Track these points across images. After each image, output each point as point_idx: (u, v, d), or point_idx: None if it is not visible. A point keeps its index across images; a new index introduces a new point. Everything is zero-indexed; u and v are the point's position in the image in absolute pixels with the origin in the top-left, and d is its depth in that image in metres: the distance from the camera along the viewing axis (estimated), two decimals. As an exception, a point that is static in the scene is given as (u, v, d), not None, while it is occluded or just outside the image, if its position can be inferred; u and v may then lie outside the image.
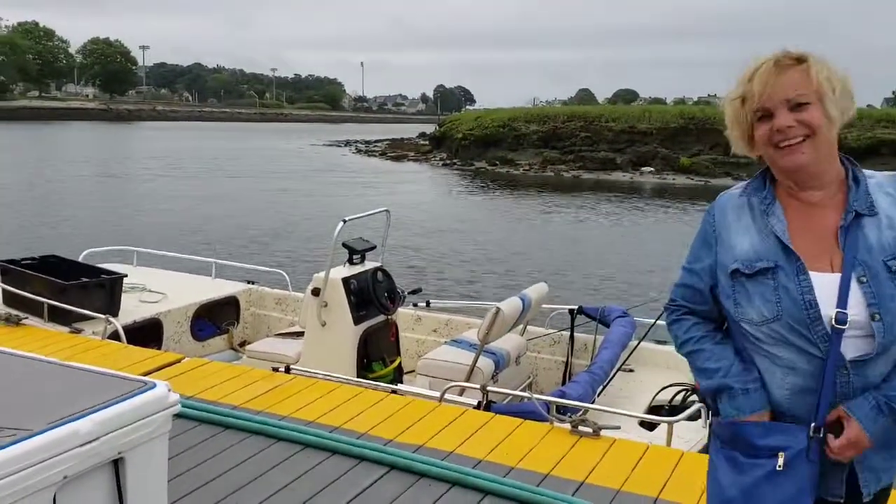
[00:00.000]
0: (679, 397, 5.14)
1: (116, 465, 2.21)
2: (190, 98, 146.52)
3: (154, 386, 2.39)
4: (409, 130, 75.20)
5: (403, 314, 6.58)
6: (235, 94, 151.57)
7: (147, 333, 6.12)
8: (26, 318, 5.79)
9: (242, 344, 6.99)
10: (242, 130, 76.55)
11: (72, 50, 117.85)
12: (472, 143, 43.34)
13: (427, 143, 54.24)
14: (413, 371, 5.94)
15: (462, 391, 4.72)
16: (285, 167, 38.19)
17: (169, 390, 2.42)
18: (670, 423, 4.16)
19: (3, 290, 6.18)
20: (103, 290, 6.01)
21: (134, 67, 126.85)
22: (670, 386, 5.28)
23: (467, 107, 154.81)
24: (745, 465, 1.87)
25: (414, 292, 6.81)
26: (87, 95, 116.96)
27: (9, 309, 5.95)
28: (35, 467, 1.93)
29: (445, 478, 3.39)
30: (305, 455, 3.62)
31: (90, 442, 2.08)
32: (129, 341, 5.45)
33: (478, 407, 4.37)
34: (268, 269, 7.91)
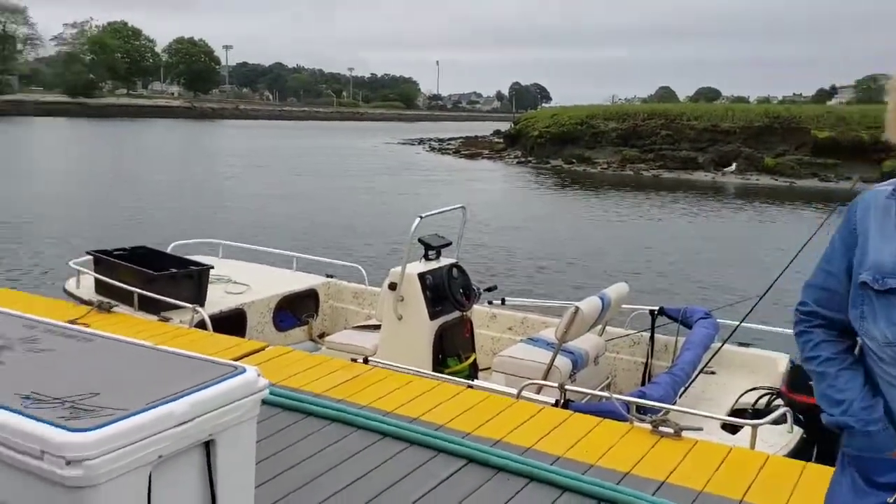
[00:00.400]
0: (763, 401, 4.99)
1: (207, 446, 2.29)
2: (271, 97, 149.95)
3: (244, 371, 2.46)
4: (484, 128, 75.25)
5: (478, 311, 6.59)
6: (314, 94, 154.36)
7: (232, 323, 6.30)
8: (117, 305, 6.03)
9: (321, 335, 7.12)
10: (320, 129, 77.95)
11: (158, 49, 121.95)
12: (548, 140, 43.06)
13: (501, 140, 54.17)
14: (488, 368, 5.94)
15: (539, 389, 4.70)
16: (361, 165, 38.73)
17: (258, 375, 2.48)
18: (754, 427, 4.05)
19: (96, 279, 6.46)
20: (191, 280, 6.20)
21: (217, 67, 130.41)
22: (754, 389, 5.14)
23: (543, 104, 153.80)
24: (863, 491, 1.77)
25: (489, 289, 6.80)
26: (173, 94, 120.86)
27: (100, 297, 6.21)
28: (133, 445, 2.01)
29: (523, 472, 3.38)
30: (384, 444, 3.67)
31: (184, 423, 2.15)
32: (215, 330, 5.62)
33: (555, 405, 4.35)
34: (345, 263, 8.04)
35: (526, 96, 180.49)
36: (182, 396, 2.18)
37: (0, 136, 45.33)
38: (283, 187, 27.60)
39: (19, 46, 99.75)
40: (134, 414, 2.04)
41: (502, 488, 3.29)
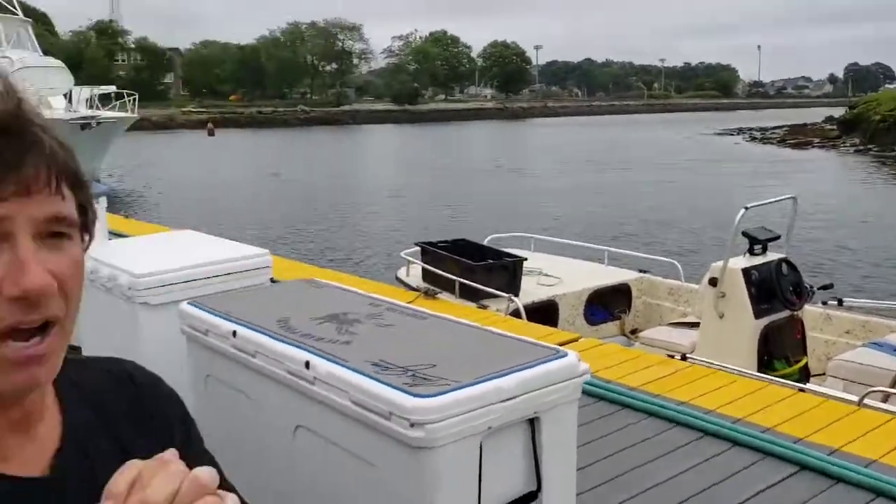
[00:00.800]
0: None
1: (532, 423, 2.37)
2: (579, 93, 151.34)
3: (566, 355, 2.50)
4: (812, 115, 68.77)
5: (810, 312, 6.04)
6: (623, 87, 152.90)
7: (544, 314, 6.46)
8: (440, 292, 6.49)
9: (634, 331, 7.02)
10: (629, 122, 76.96)
11: (473, 54, 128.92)
12: (893, 125, 38.19)
13: (835, 127, 49.11)
14: (821, 374, 5.43)
15: (886, 398, 4.19)
16: (673, 157, 37.53)
17: (579, 360, 2.51)
18: None
19: (423, 268, 7.01)
20: (506, 271, 6.48)
21: (528, 67, 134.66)
22: None
23: (886, 85, 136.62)
24: None
25: (825, 288, 6.21)
26: (486, 96, 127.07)
27: (427, 284, 6.73)
28: (467, 414, 2.14)
29: (868, 486, 3.03)
30: (706, 443, 3.52)
31: (511, 399, 2.24)
32: (528, 320, 5.80)
33: (905, 416, 3.85)
34: (660, 258, 7.84)
35: (865, 77, 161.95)
36: (510, 373, 2.28)
37: (340, 142, 51.08)
38: (591, 182, 27.72)
39: (355, 61, 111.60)
40: (468, 385, 2.18)
41: (842, 500, 2.99)
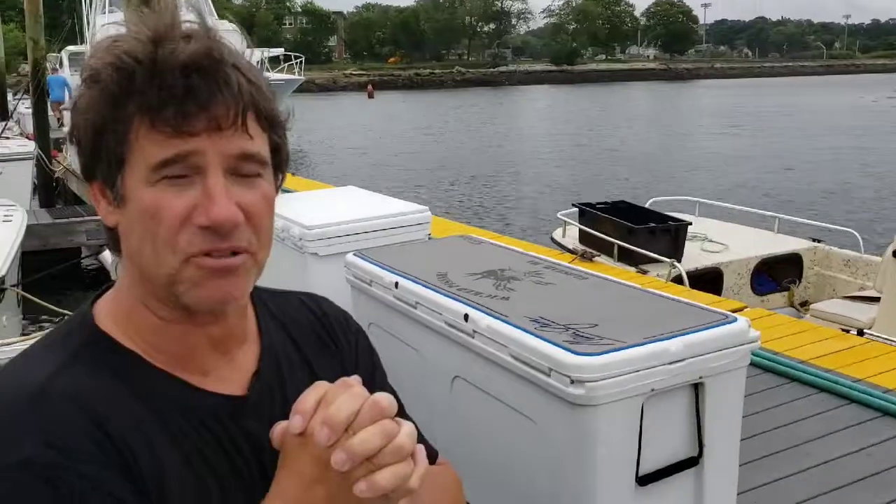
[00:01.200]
0: None
1: (696, 388, 2.29)
2: (749, 54, 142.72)
3: (735, 320, 2.39)
4: None
5: None
6: (799, 47, 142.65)
7: (707, 282, 6.22)
8: (598, 255, 6.39)
9: (804, 304, 6.63)
10: (805, 85, 71.75)
11: (637, 13, 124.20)
12: None
13: None
14: None
15: None
16: (854, 123, 34.73)
17: (749, 327, 2.40)
18: None
19: (580, 229, 6.91)
20: (668, 235, 6.28)
21: (694, 26, 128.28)
22: None
23: None
24: None
25: None
26: (648, 56, 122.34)
27: (584, 247, 6.64)
28: (630, 375, 2.10)
29: None
30: (882, 423, 3.29)
31: (677, 362, 2.18)
32: (690, 287, 5.61)
33: None
34: (837, 227, 7.32)
35: None
36: (676, 336, 2.21)
37: (495, 103, 51.02)
38: (761, 147, 26.20)
39: (514, 21, 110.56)
40: (632, 346, 2.13)
41: None
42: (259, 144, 0.83)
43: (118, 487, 0.74)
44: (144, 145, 0.79)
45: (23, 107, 14.14)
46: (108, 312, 0.87)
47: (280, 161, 0.88)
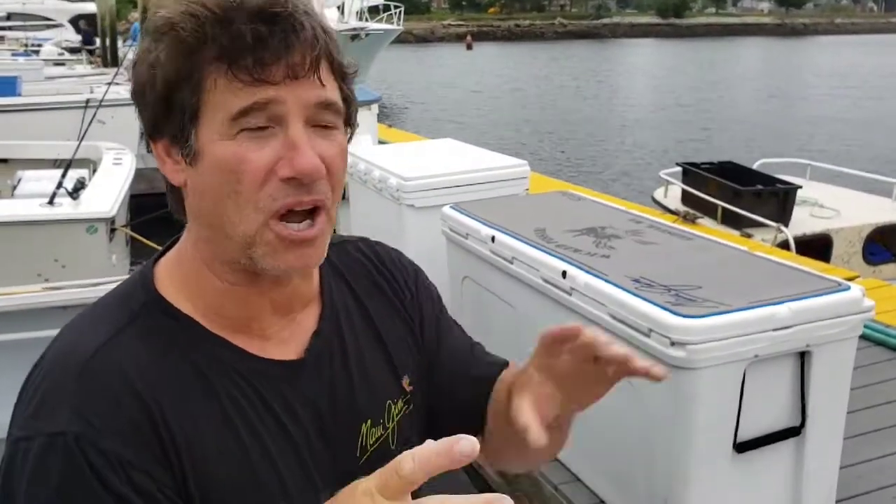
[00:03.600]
0: None
1: (802, 357, 2.21)
2: (874, 7, 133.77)
3: (848, 288, 2.29)
4: None
5: None
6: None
7: (815, 248, 5.95)
8: (701, 217, 6.19)
9: (925, 275, 6.27)
10: (936, 42, 66.82)
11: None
12: None
13: None
14: None
15: None
16: None
17: (863, 296, 2.29)
18: None
19: (683, 190, 6.71)
20: (776, 199, 6.03)
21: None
22: None
23: None
24: None
25: None
26: (762, 10, 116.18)
27: (686, 208, 6.44)
28: (733, 340, 2.04)
29: None
30: None
31: (784, 328, 2.10)
32: (798, 253, 5.38)
33: None
34: (962, 195, 6.86)
35: None
36: (783, 302, 2.13)
37: (598, 57, 49.76)
38: (882, 109, 24.67)
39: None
40: (737, 310, 2.07)
41: None
42: (335, 93, 0.81)
43: (140, 465, 0.74)
44: (221, 96, 0.76)
45: (132, 53, 14.72)
46: (167, 274, 0.86)
47: (350, 114, 0.86)
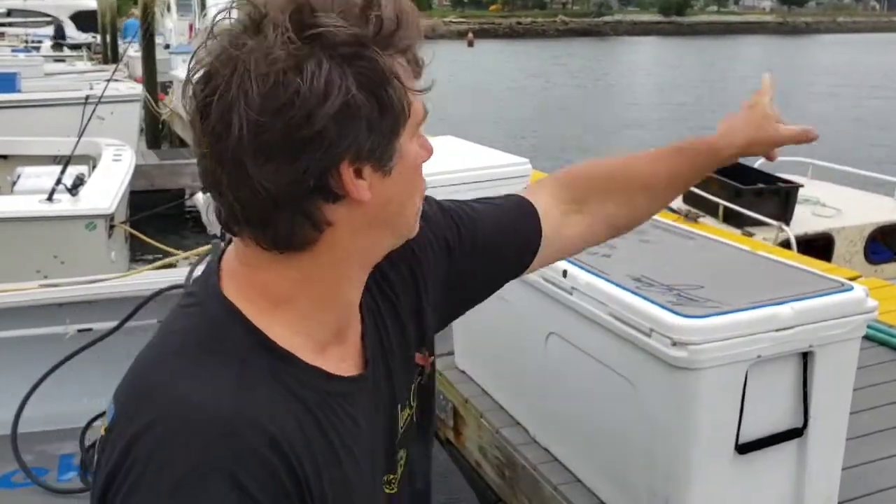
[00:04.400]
0: None
1: (805, 357, 2.19)
2: (877, 7, 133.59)
3: (851, 289, 2.27)
4: None
5: None
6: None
7: (817, 248, 5.93)
8: (703, 216, 6.17)
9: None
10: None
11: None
12: None
13: None
14: None
15: None
16: None
17: (866, 296, 2.27)
18: None
19: (684, 188, 6.68)
20: (778, 197, 6.01)
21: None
22: None
23: None
24: None
25: None
26: (764, 8, 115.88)
27: (688, 206, 6.41)
28: (735, 340, 2.02)
29: None
30: None
31: (787, 329, 2.08)
32: (799, 252, 5.36)
33: None
34: (964, 194, 6.83)
35: None
36: (786, 302, 2.12)
37: (599, 54, 49.69)
38: (885, 109, 24.63)
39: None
40: (739, 310, 2.05)
41: None
42: None
43: None
44: (413, 101, 0.79)
45: (132, 50, 14.68)
46: (249, 299, 0.80)
47: None
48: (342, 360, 0.85)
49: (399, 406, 0.93)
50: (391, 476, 0.91)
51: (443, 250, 1.02)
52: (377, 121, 0.75)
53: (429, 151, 0.84)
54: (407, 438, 0.94)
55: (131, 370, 0.79)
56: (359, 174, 0.76)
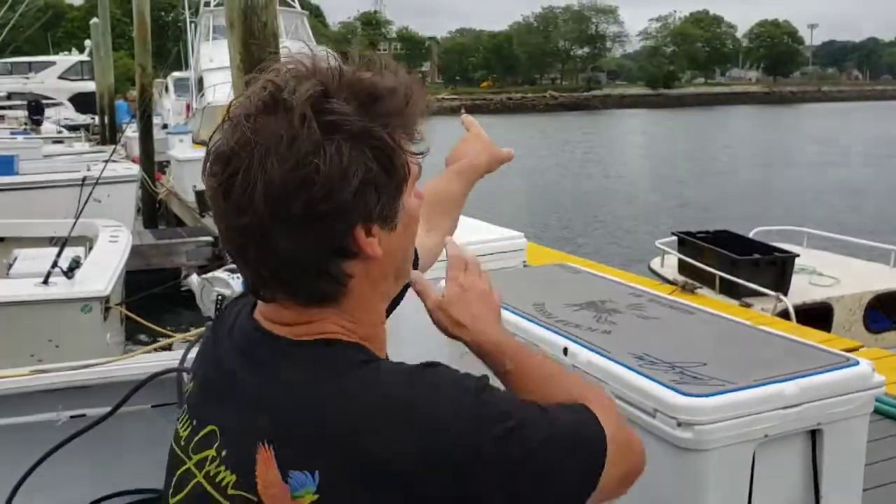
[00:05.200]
0: None
1: (813, 435, 2.14)
2: (860, 76, 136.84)
3: (857, 363, 2.24)
4: None
5: None
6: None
7: (815, 317, 5.92)
8: (700, 287, 6.16)
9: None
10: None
11: (738, 34, 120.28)
12: None
13: None
14: None
15: None
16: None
17: (873, 371, 2.24)
18: None
19: (680, 259, 6.70)
20: (774, 267, 6.02)
21: (800, 47, 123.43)
22: None
23: None
24: None
25: None
26: (750, 79, 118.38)
27: (685, 277, 6.42)
28: (742, 419, 1.98)
29: None
30: None
31: (793, 406, 2.04)
32: (798, 322, 5.34)
33: None
34: (959, 261, 6.85)
35: None
36: (791, 379, 2.08)
37: (588, 127, 50.52)
38: (874, 176, 24.94)
39: (609, 44, 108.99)
40: (744, 388, 2.01)
41: None
42: None
43: None
44: (409, 156, 0.89)
45: (130, 131, 14.91)
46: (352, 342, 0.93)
47: None
48: None
49: None
50: None
51: None
52: (385, 187, 0.86)
53: (421, 199, 0.94)
54: None
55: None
56: (368, 233, 0.87)
